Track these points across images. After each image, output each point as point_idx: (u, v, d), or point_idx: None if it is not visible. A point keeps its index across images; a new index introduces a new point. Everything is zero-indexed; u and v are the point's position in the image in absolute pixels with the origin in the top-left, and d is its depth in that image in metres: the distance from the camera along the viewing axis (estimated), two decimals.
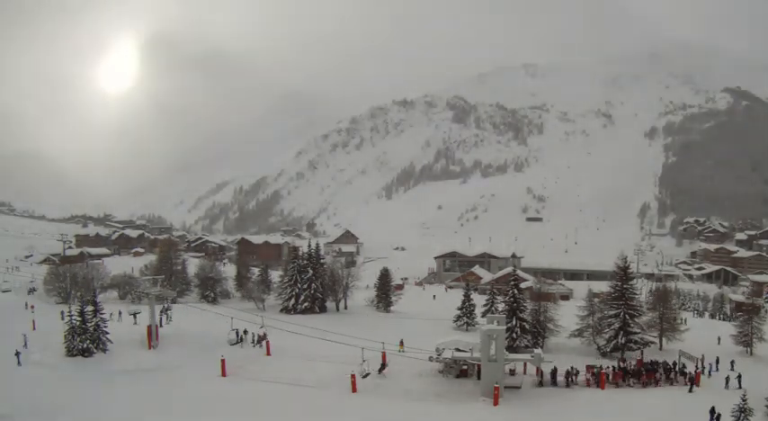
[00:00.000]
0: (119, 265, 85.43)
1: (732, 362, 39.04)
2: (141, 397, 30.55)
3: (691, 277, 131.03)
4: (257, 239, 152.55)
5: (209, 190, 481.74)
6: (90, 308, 39.94)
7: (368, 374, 35.42)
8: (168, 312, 50.07)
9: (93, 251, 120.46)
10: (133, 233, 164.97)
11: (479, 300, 56.05)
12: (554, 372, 36.27)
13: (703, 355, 39.81)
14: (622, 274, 44.98)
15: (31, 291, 66.65)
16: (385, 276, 68.30)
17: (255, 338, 43.84)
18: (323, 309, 64.21)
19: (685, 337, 44.74)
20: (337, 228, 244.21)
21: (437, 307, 69.79)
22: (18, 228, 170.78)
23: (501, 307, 48.22)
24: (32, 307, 54.05)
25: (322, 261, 67.26)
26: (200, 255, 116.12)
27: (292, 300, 62.63)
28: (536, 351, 37.49)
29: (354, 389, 33.42)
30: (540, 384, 36.12)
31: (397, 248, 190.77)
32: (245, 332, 44.32)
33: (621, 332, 42.71)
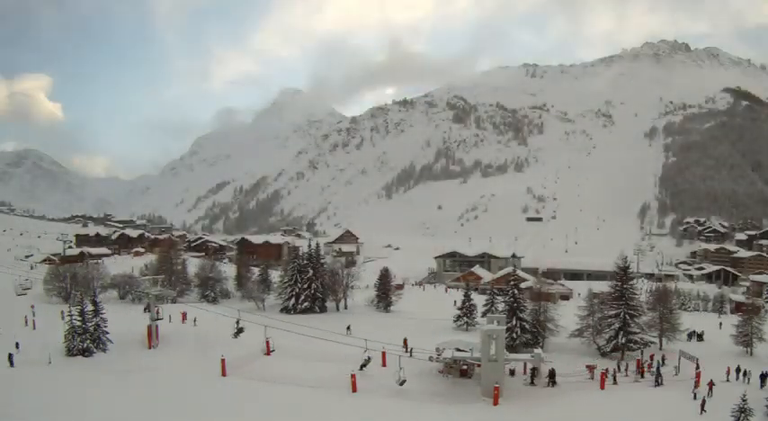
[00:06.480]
0: (119, 265, 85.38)
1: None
2: (141, 397, 30.51)
3: (691, 277, 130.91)
4: (257, 239, 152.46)
5: (210, 190, 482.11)
6: (90, 307, 39.92)
7: (404, 381, 32.82)
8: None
9: (94, 251, 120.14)
10: (133, 233, 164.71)
11: (479, 300, 56.02)
12: (552, 373, 36.24)
13: None
14: (622, 274, 44.98)
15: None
16: (385, 276, 68.35)
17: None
18: (323, 309, 64.25)
19: (685, 337, 44.74)
20: (337, 228, 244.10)
21: (437, 307, 69.70)
22: (18, 228, 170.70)
23: (501, 307, 48.25)
24: (32, 306, 54.01)
25: (322, 261, 67.40)
26: (200, 254, 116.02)
27: (292, 300, 62.69)
28: (536, 351, 37.53)
29: (354, 389, 33.40)
30: (532, 383, 36.05)
31: (388, 246, 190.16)
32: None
33: (621, 332, 42.72)
